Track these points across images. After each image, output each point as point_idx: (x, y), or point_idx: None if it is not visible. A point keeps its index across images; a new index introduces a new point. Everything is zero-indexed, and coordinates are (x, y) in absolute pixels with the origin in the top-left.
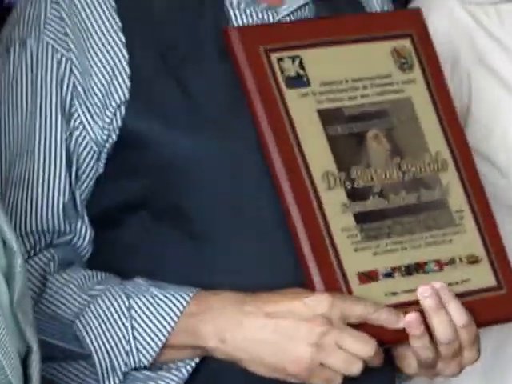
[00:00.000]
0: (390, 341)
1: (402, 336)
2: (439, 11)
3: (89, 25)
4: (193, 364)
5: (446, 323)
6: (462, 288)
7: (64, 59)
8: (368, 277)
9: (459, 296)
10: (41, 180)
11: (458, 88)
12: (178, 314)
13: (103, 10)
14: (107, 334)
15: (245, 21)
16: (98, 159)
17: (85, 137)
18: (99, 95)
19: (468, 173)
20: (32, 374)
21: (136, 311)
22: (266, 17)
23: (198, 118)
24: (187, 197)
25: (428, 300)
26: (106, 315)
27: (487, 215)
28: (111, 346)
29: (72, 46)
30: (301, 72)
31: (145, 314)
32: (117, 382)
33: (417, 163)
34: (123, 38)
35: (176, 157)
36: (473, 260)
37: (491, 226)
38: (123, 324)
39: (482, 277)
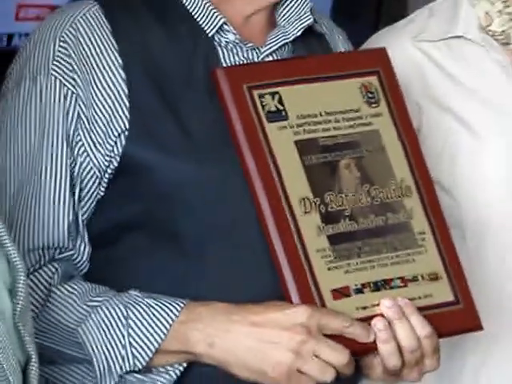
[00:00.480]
0: (361, 351)
1: (371, 347)
2: (393, 49)
3: (93, 63)
4: (181, 368)
5: (408, 333)
6: (424, 302)
7: (70, 93)
8: (340, 293)
9: (421, 309)
10: (47, 203)
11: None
12: (171, 322)
13: (106, 50)
14: (106, 340)
15: (232, 59)
16: (100, 183)
17: (88, 163)
18: (101, 125)
19: (429, 198)
20: (31, 381)
21: (132, 320)
22: (250, 55)
23: (190, 147)
24: (179, 219)
25: (390, 310)
26: (105, 324)
27: (446, 237)
28: (109, 352)
29: (78, 80)
30: (280, 107)
31: (140, 322)
32: (112, 382)
33: (384, 189)
34: (124, 75)
35: (169, 182)
36: (433, 277)
37: (450, 247)
38: (120, 332)
39: (442, 292)
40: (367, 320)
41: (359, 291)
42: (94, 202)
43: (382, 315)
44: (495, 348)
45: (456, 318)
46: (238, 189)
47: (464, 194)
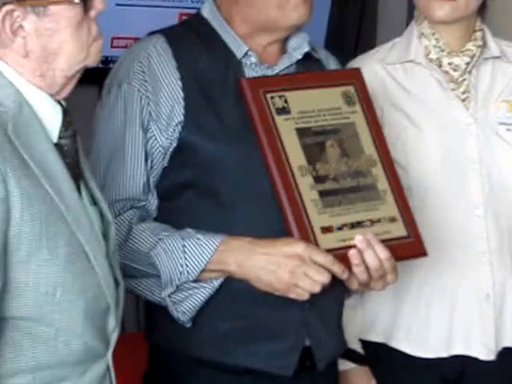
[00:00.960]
0: None
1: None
2: (365, 69)
3: (160, 76)
4: (219, 280)
5: (373, 257)
6: (385, 236)
7: (144, 97)
8: (326, 229)
9: (383, 241)
10: (128, 170)
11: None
12: (213, 249)
13: (169, 67)
14: (169, 261)
15: (253, 74)
16: (164, 157)
17: (156, 143)
18: (165, 118)
19: (388, 167)
20: (119, 298)
21: (187, 248)
22: (266, 72)
23: (224, 133)
24: (217, 181)
25: (360, 242)
26: (169, 249)
27: (401, 193)
28: (171, 269)
29: (149, 88)
30: (285, 105)
31: (192, 249)
32: (172, 290)
33: (357, 161)
34: (180, 84)
35: (210, 156)
36: (392, 219)
37: (403, 200)
38: (179, 255)
39: (398, 230)
40: (345, 248)
41: (339, 229)
42: (160, 170)
43: (355, 246)
44: (434, 269)
45: (408, 248)
46: (256, 161)
47: (412, 168)
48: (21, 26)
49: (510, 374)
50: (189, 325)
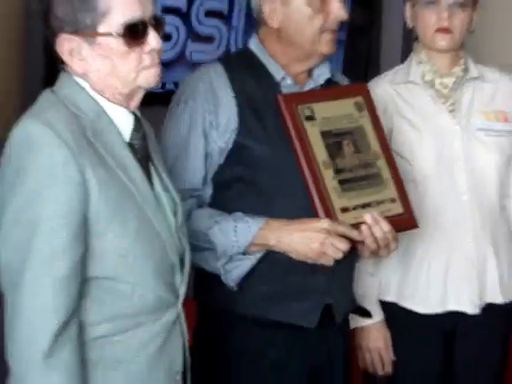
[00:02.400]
0: (355, 244)
1: (360, 241)
2: (378, 88)
3: (219, 94)
4: (262, 252)
5: (379, 230)
6: (387, 214)
7: (206, 110)
8: (345, 210)
9: (386, 217)
10: (191, 166)
11: (387, 125)
12: (257, 228)
13: (226, 88)
14: (223, 238)
15: (287, 92)
16: (220, 156)
17: (214, 146)
18: (222, 126)
19: (389, 160)
20: (186, 263)
21: (238, 227)
22: (297, 89)
23: (266, 137)
24: (260, 176)
25: (369, 218)
26: (224, 229)
27: (398, 180)
28: (225, 244)
29: (211, 102)
30: (311, 114)
31: (242, 229)
32: (225, 260)
33: (366, 156)
34: (235, 102)
35: (256, 156)
36: (392, 200)
37: (401, 185)
38: (232, 233)
39: (397, 208)
40: (359, 223)
41: (354, 209)
42: (217, 166)
43: (365, 222)
44: (432, 242)
45: (404, 222)
46: (290, 159)
47: (415, 163)
48: (78, 52)
49: (492, 324)
50: (236, 289)
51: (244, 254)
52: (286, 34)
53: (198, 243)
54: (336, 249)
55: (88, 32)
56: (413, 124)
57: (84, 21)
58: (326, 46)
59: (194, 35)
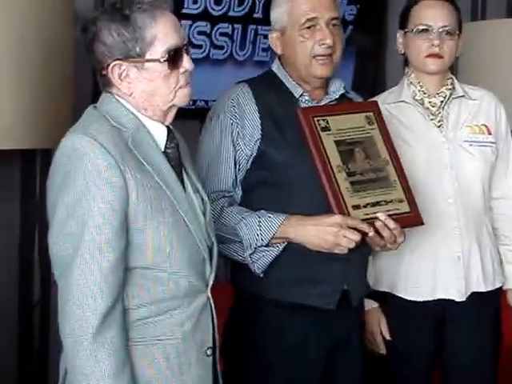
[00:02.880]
0: (364, 237)
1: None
2: None
3: (244, 109)
4: (284, 244)
5: (386, 229)
6: (395, 212)
7: (234, 123)
8: (356, 207)
9: (393, 215)
10: (223, 172)
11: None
12: (279, 224)
13: (251, 104)
14: (249, 231)
15: (305, 106)
16: (247, 162)
17: (242, 153)
18: (248, 137)
19: (397, 165)
20: (213, 253)
21: (262, 222)
22: (313, 104)
23: (286, 145)
24: (281, 178)
25: (383, 216)
26: (249, 224)
27: (406, 183)
28: (250, 237)
29: (238, 117)
30: (327, 125)
31: (265, 224)
32: (251, 252)
33: (375, 162)
34: (258, 115)
35: (277, 161)
36: (400, 200)
37: (408, 187)
38: (256, 228)
39: (404, 208)
40: (370, 219)
41: (364, 207)
42: (245, 171)
43: (376, 218)
44: (422, 238)
45: (411, 220)
46: (307, 164)
47: (407, 170)
48: (127, 75)
49: (478, 310)
50: (261, 275)
51: (267, 245)
52: (288, 59)
53: (228, 236)
54: (348, 239)
55: (137, 59)
56: (404, 138)
57: (134, 49)
58: (318, 69)
59: None
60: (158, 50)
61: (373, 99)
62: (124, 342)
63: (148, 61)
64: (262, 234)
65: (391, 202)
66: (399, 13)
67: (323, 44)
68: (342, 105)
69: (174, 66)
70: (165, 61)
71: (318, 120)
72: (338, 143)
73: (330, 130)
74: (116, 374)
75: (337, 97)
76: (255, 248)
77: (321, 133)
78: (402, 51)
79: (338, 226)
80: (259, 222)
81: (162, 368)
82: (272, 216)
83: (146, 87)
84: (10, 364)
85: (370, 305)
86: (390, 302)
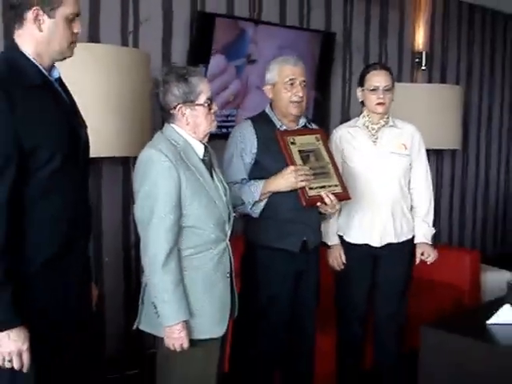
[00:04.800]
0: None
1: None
2: (341, 129)
3: (247, 136)
4: (267, 197)
5: (330, 201)
6: (334, 191)
7: (241, 144)
8: (311, 189)
9: (334, 193)
10: (235, 171)
11: (341, 147)
12: (261, 185)
13: (251, 132)
14: (246, 194)
15: (283, 129)
16: (250, 166)
17: (246, 161)
18: (248, 151)
19: (334, 166)
20: (231, 219)
21: (251, 187)
22: (289, 128)
23: (271, 155)
24: (267, 173)
25: (323, 194)
26: (245, 190)
27: (339, 175)
28: (247, 197)
29: (242, 140)
30: (293, 141)
31: (254, 188)
32: (250, 205)
33: (322, 163)
34: (256, 139)
35: (266, 165)
36: (336, 185)
37: (340, 178)
38: (248, 191)
39: (339, 189)
40: (318, 196)
41: (316, 188)
42: (249, 170)
43: (321, 197)
44: (360, 208)
45: (343, 196)
46: (282, 164)
47: (354, 166)
48: (185, 112)
49: (393, 254)
50: (257, 216)
51: (259, 200)
52: (275, 103)
53: (237, 202)
54: (301, 177)
55: (192, 104)
56: (354, 147)
57: (189, 98)
58: (293, 109)
59: None
60: (203, 98)
61: (341, 125)
62: (179, 269)
63: (197, 105)
64: (254, 193)
65: (331, 186)
66: (337, 77)
67: (297, 95)
68: (302, 130)
69: (209, 109)
70: (206, 105)
71: (288, 138)
72: (300, 151)
73: (295, 144)
74: (174, 287)
75: (301, 126)
76: (253, 203)
77: (290, 145)
78: (360, 100)
79: (292, 172)
80: (249, 187)
81: (200, 284)
82: (257, 182)
83: (195, 120)
84: (118, 292)
85: (334, 244)
86: (344, 244)
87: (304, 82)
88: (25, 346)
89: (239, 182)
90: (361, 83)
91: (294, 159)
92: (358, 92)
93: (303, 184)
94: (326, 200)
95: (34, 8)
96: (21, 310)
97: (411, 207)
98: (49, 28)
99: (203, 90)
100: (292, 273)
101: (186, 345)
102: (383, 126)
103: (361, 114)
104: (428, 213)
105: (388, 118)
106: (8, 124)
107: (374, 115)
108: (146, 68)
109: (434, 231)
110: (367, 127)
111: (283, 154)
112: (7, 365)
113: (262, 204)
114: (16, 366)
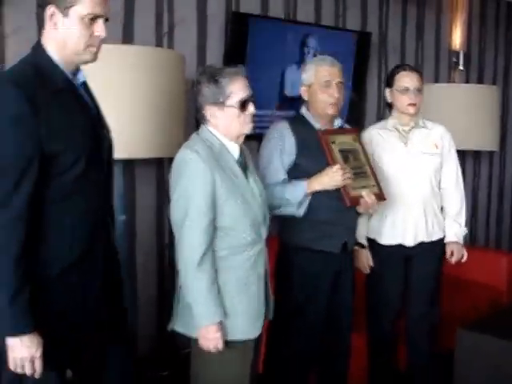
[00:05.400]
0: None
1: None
2: (371, 131)
3: (285, 136)
4: (310, 198)
5: (368, 200)
6: (372, 191)
7: (279, 144)
8: (353, 188)
9: (373, 194)
10: (274, 170)
11: (371, 150)
12: (305, 184)
13: (289, 133)
14: (291, 194)
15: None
16: (288, 166)
17: (285, 162)
18: (288, 152)
19: (370, 166)
20: (267, 221)
21: (295, 186)
22: (326, 128)
23: (313, 156)
24: (306, 175)
25: (364, 193)
26: (289, 190)
27: (376, 176)
28: (293, 197)
29: (281, 141)
30: (334, 140)
31: (299, 186)
32: (297, 205)
33: (359, 163)
34: (294, 138)
35: (305, 166)
36: (373, 186)
37: (377, 179)
38: (295, 190)
39: (375, 190)
40: (359, 196)
41: (357, 188)
42: (287, 170)
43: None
44: (394, 209)
45: (379, 196)
46: (322, 166)
47: (386, 168)
48: (215, 113)
49: (425, 253)
50: (301, 216)
51: (303, 200)
52: (311, 104)
53: (281, 202)
54: (345, 175)
55: (222, 105)
56: (385, 148)
57: (218, 99)
58: (330, 110)
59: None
60: (234, 100)
61: (370, 126)
62: (214, 270)
63: (227, 106)
64: (299, 191)
65: (369, 186)
66: (373, 78)
67: (334, 96)
68: (341, 129)
69: (242, 110)
70: (237, 107)
71: (329, 137)
72: (340, 151)
73: (335, 143)
74: (208, 288)
75: (337, 127)
76: (299, 203)
77: (331, 145)
78: (389, 101)
79: (338, 170)
80: (294, 186)
81: (235, 285)
82: (301, 181)
83: (226, 122)
84: (152, 292)
85: (361, 248)
86: (375, 247)
87: (341, 83)
88: (38, 353)
89: (280, 183)
90: (389, 84)
91: (336, 159)
92: (387, 93)
93: (349, 182)
94: (368, 200)
95: (50, 5)
96: (37, 314)
97: (441, 207)
98: (63, 27)
99: (234, 91)
100: (330, 274)
101: (220, 346)
102: (414, 127)
103: (389, 115)
104: (459, 213)
105: (418, 119)
106: (31, 128)
107: (404, 116)
108: (180, 69)
109: (466, 232)
110: (397, 129)
111: (325, 153)
112: (19, 370)
113: (307, 203)
114: (28, 372)
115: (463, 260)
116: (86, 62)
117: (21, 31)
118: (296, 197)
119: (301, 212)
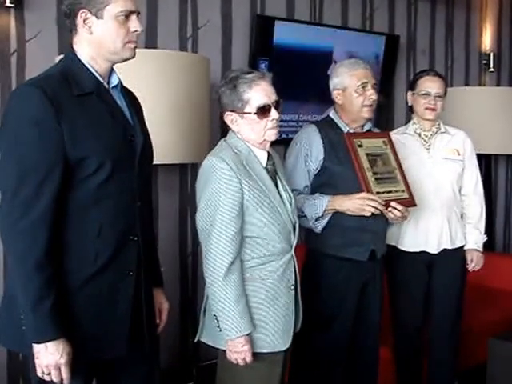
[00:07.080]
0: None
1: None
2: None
3: (313, 140)
4: (330, 214)
5: (395, 210)
6: (400, 197)
7: (305, 149)
8: (378, 193)
9: (399, 199)
10: (298, 177)
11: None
12: (327, 201)
13: (317, 137)
14: (310, 208)
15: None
16: (314, 173)
17: (310, 167)
18: (314, 157)
19: (401, 170)
20: (296, 229)
21: (316, 202)
22: (355, 131)
23: (339, 161)
24: (334, 181)
25: (393, 203)
26: (309, 204)
27: (406, 180)
28: (310, 212)
29: (308, 145)
30: (361, 144)
31: (319, 203)
32: (313, 221)
33: (389, 168)
34: (322, 142)
35: (333, 171)
36: (402, 191)
37: (407, 183)
38: (313, 205)
39: (405, 195)
40: (387, 201)
41: (383, 193)
42: (312, 177)
43: (389, 201)
44: (417, 215)
45: (409, 202)
46: (350, 171)
47: (411, 175)
48: (236, 121)
49: (449, 261)
50: (320, 232)
51: (322, 216)
52: (344, 107)
53: (300, 214)
54: (370, 207)
55: (240, 111)
56: (407, 154)
57: (237, 105)
58: (366, 113)
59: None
60: (253, 106)
61: (390, 131)
62: (241, 280)
63: (245, 113)
64: (317, 209)
65: (398, 191)
66: (401, 81)
67: (371, 98)
68: (370, 133)
69: (262, 116)
70: (256, 113)
71: (355, 141)
72: (367, 155)
73: (362, 147)
74: (237, 299)
75: (366, 130)
76: (316, 218)
77: (357, 148)
78: (410, 104)
79: (362, 199)
80: (314, 200)
81: (264, 296)
82: (323, 197)
83: (246, 128)
84: (174, 301)
85: None
86: (395, 254)
87: (375, 84)
88: (62, 360)
89: (301, 190)
90: (412, 87)
91: (360, 162)
92: (409, 96)
93: (372, 211)
94: (395, 212)
95: (81, 11)
96: (63, 322)
97: (461, 214)
98: (98, 29)
99: (252, 97)
100: (358, 283)
101: (249, 359)
102: (435, 132)
103: (410, 121)
104: (480, 220)
105: (439, 124)
106: (53, 134)
107: (425, 122)
108: (205, 73)
109: (486, 238)
110: (419, 134)
111: (350, 156)
112: (46, 378)
113: (325, 221)
114: (55, 379)
115: (476, 268)
116: (126, 59)
117: (41, 36)
118: (313, 213)
119: (319, 228)
